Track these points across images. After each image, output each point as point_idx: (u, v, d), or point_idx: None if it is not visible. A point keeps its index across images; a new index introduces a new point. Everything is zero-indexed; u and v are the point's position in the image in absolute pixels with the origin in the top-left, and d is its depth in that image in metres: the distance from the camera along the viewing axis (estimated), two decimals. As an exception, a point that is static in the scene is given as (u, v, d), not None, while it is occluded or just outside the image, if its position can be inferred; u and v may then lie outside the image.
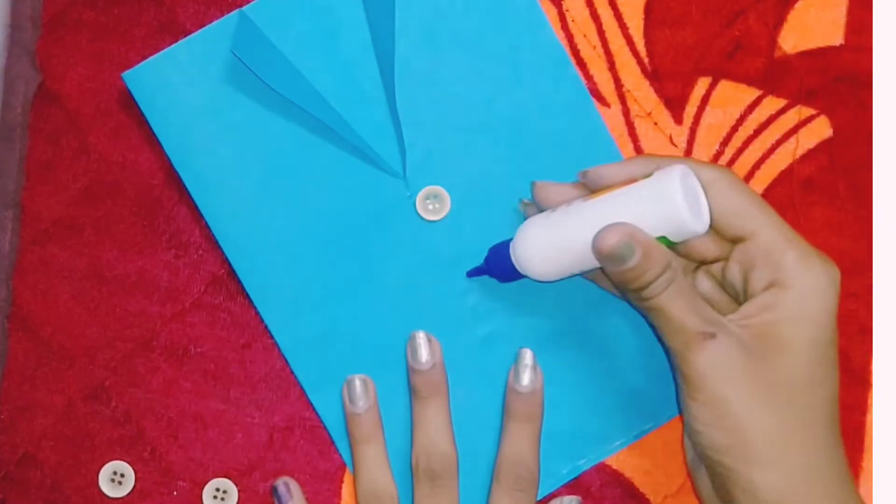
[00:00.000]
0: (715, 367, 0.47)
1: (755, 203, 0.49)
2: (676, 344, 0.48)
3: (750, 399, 0.46)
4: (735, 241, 0.50)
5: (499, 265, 0.53)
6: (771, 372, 0.47)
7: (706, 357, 0.47)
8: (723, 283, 0.51)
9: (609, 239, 0.47)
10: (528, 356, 0.55)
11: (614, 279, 0.48)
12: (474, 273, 0.55)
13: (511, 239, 0.53)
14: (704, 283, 0.52)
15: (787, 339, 0.47)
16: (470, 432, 0.55)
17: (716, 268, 0.51)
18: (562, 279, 0.52)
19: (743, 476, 0.47)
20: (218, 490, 0.56)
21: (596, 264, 0.50)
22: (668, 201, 0.47)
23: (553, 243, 0.51)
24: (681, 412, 0.51)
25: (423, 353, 0.54)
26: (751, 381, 0.47)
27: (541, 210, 0.53)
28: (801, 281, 0.47)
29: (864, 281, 0.57)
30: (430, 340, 0.55)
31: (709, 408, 0.47)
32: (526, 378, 0.54)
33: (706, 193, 0.49)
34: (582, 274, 0.52)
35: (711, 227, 0.49)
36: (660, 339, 0.49)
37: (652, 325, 0.49)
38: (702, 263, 0.52)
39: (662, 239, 0.48)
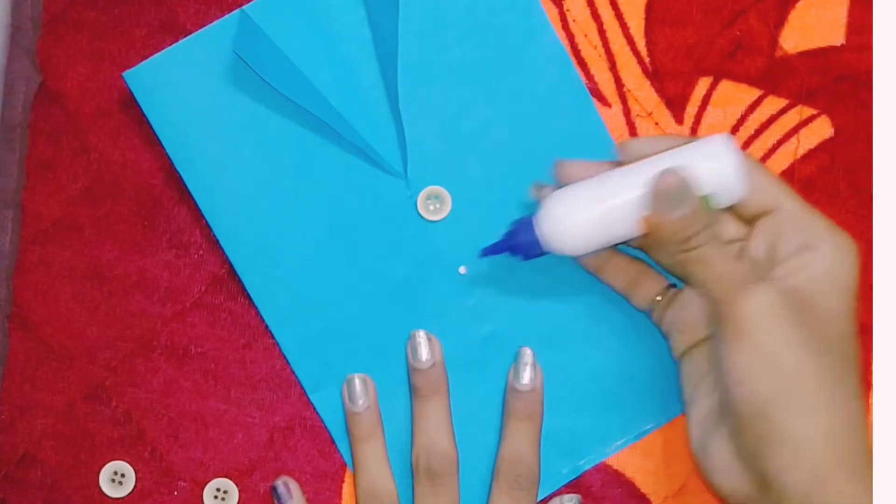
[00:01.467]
0: (763, 309, 0.47)
1: (776, 179, 0.50)
2: (720, 291, 0.48)
3: (798, 345, 0.46)
4: (755, 218, 0.50)
5: (523, 239, 0.52)
6: (812, 322, 0.47)
7: (754, 301, 0.47)
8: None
9: (669, 179, 0.48)
10: (527, 354, 0.55)
11: (664, 231, 0.48)
12: (490, 251, 0.53)
13: (532, 214, 0.52)
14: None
15: (824, 293, 0.47)
16: (470, 431, 0.55)
17: (730, 249, 0.51)
18: (589, 253, 0.51)
19: (788, 426, 0.46)
20: (219, 490, 0.56)
21: (633, 233, 0.50)
22: (720, 157, 0.49)
23: (590, 210, 0.50)
24: (683, 410, 0.51)
25: (424, 352, 0.54)
26: (797, 327, 0.47)
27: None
28: (831, 243, 0.48)
29: (865, 281, 0.57)
30: (430, 339, 0.55)
31: (756, 353, 0.47)
32: (526, 376, 0.54)
33: None
34: (595, 266, 0.53)
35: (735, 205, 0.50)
36: (696, 292, 0.50)
37: (686, 280, 0.50)
38: None
39: (703, 200, 0.49)
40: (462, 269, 0.56)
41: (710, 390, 0.50)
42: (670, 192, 0.48)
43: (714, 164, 0.49)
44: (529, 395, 0.54)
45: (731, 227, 0.51)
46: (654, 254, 0.52)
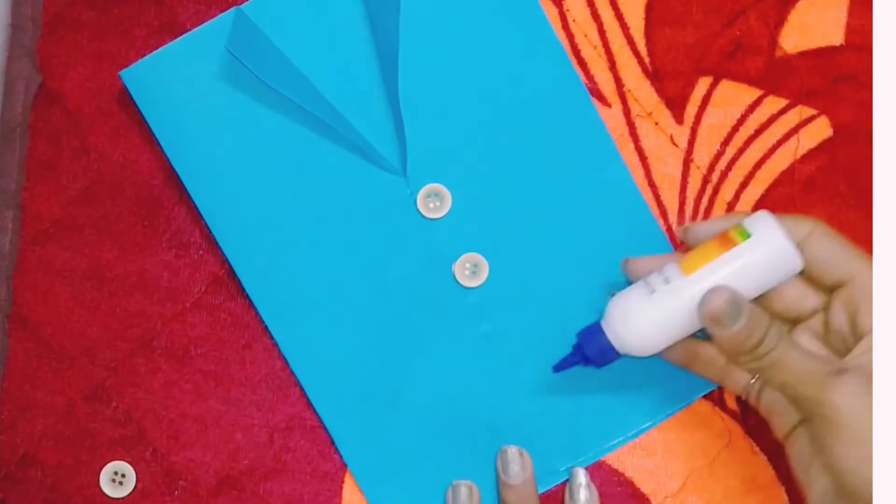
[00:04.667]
0: (854, 401, 0.46)
1: (849, 248, 0.49)
2: (807, 389, 0.47)
3: None
4: (833, 288, 0.50)
5: (595, 347, 0.52)
6: None
7: (846, 392, 0.46)
8: (826, 335, 0.51)
9: (715, 300, 0.48)
10: (580, 475, 0.55)
11: (727, 347, 0.48)
12: (563, 366, 0.53)
13: (597, 321, 0.52)
14: (804, 340, 0.51)
15: None
16: (470, 430, 0.55)
17: (815, 323, 0.51)
18: (667, 348, 0.52)
19: None
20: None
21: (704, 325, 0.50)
22: (767, 242, 0.49)
23: (659, 317, 0.50)
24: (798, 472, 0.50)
25: (515, 468, 0.54)
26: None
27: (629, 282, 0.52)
28: None
29: (865, 281, 0.57)
30: (521, 455, 0.54)
31: (859, 444, 0.46)
32: (582, 497, 0.54)
33: (803, 246, 0.49)
34: (683, 361, 0.53)
35: (806, 272, 0.50)
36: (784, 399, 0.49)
37: (769, 383, 0.49)
38: (798, 321, 0.51)
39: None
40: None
41: (821, 471, 0.48)
42: (722, 310, 0.48)
43: (764, 252, 0.49)
44: None
45: (811, 299, 0.51)
46: (731, 361, 0.51)
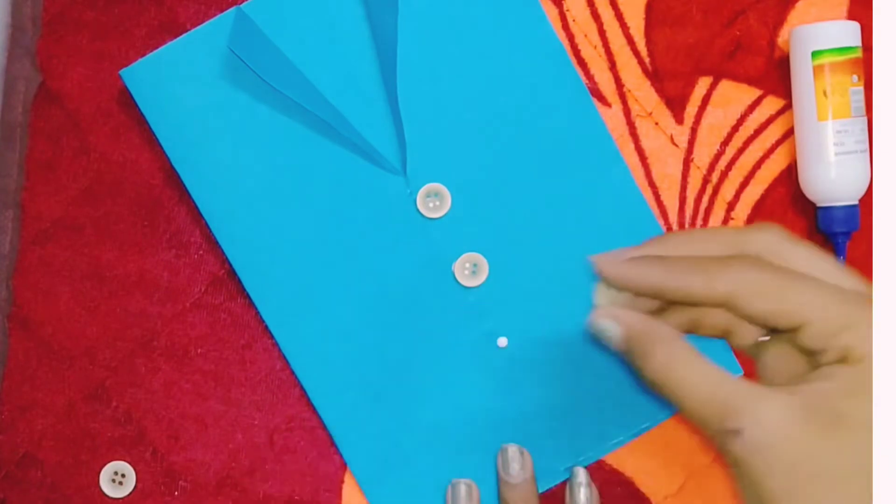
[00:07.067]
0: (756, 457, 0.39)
1: (792, 283, 0.41)
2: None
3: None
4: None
5: None
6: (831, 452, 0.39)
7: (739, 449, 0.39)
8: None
9: (592, 317, 0.44)
10: (581, 474, 0.55)
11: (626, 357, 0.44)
12: None
13: None
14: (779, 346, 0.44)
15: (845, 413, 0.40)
16: (470, 430, 0.55)
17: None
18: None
19: None
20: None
21: None
22: None
23: None
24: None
25: (515, 467, 0.54)
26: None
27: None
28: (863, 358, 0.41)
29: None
30: (522, 454, 0.54)
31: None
32: (582, 496, 0.54)
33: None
34: None
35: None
36: None
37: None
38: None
39: None
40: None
41: None
42: (598, 328, 0.44)
43: None
44: None
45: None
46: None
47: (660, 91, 0.58)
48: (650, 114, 0.58)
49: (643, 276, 0.44)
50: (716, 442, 0.41)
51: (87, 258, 0.57)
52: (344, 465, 0.56)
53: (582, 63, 0.58)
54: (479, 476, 0.55)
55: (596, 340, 0.45)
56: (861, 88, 0.55)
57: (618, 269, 0.44)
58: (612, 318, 0.44)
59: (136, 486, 0.56)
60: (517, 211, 0.56)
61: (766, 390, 0.40)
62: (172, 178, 0.56)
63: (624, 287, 0.44)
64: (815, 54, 0.55)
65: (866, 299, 0.42)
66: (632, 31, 0.58)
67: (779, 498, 0.38)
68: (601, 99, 0.58)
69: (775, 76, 0.58)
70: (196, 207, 0.56)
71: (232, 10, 0.55)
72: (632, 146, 0.57)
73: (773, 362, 0.44)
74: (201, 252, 0.57)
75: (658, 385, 0.42)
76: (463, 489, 0.54)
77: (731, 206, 0.58)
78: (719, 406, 0.40)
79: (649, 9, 0.58)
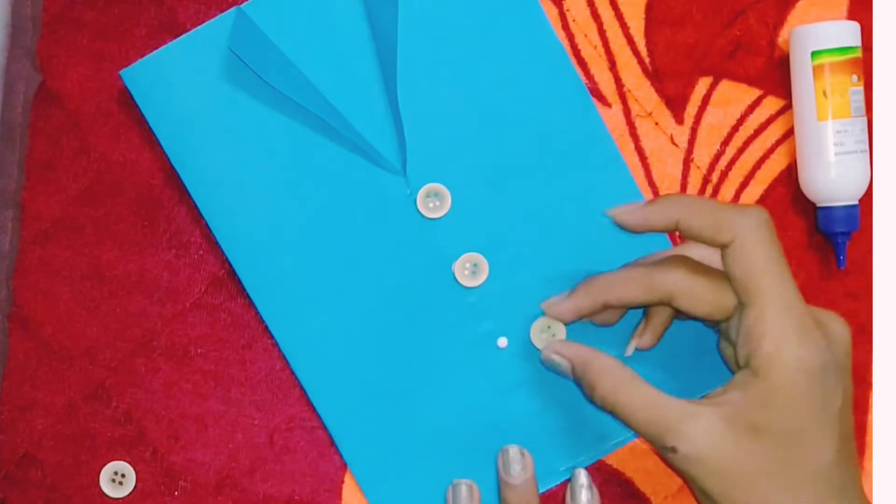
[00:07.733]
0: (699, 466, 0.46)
1: (767, 266, 0.47)
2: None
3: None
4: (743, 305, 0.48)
5: None
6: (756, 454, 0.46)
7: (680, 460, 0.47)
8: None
9: (544, 353, 0.53)
10: (582, 476, 0.54)
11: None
12: None
13: None
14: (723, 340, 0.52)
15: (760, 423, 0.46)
16: (470, 430, 0.55)
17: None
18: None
19: None
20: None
21: None
22: None
23: None
24: None
25: (516, 468, 0.54)
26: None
27: None
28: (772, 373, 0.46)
29: (865, 281, 0.57)
30: (523, 455, 0.54)
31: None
32: (584, 498, 0.54)
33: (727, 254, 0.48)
34: None
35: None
36: None
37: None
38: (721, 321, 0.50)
39: None
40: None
41: None
42: (547, 362, 0.53)
43: None
44: None
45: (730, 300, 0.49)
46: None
47: (660, 91, 0.58)
48: (650, 114, 0.58)
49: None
50: (661, 456, 0.48)
51: (87, 258, 0.57)
52: (344, 465, 0.56)
53: (582, 63, 0.58)
54: (479, 476, 0.55)
55: (555, 372, 0.53)
56: (861, 88, 0.55)
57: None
58: (558, 354, 0.52)
59: (136, 486, 0.56)
60: (517, 211, 0.56)
61: (695, 407, 0.47)
62: (172, 178, 0.56)
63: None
64: (814, 54, 0.55)
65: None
66: (632, 31, 0.58)
67: (718, 496, 0.46)
68: (601, 99, 0.58)
69: (775, 76, 0.58)
70: (196, 207, 0.56)
71: (232, 10, 0.55)
72: (632, 146, 0.58)
73: (724, 352, 0.52)
74: (201, 252, 0.57)
75: (607, 410, 0.49)
76: (464, 489, 0.54)
77: (731, 206, 0.58)
78: (657, 426, 0.47)
79: (649, 9, 0.58)
